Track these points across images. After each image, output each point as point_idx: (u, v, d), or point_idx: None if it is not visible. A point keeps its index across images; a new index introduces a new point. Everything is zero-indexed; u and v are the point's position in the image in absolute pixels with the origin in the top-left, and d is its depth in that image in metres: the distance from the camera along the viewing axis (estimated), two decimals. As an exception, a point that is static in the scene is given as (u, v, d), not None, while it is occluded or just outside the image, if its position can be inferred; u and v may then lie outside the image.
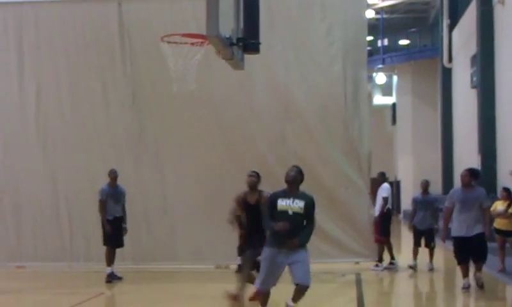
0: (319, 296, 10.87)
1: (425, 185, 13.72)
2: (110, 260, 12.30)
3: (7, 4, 14.71)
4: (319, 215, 13.55)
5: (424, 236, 13.44)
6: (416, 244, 13.52)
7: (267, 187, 13.57)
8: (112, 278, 12.18)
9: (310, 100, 13.95)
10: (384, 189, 13.75)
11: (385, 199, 13.54)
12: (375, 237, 13.54)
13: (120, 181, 12.66)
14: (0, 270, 13.65)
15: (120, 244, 12.49)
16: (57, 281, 12.65)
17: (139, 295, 11.19)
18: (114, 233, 12.27)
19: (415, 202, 13.64)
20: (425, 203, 13.48)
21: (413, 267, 13.30)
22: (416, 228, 13.50)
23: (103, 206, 12.29)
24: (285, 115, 13.98)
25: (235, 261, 13.14)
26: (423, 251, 13.56)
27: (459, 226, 10.38)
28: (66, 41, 14.31)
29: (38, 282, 12.58)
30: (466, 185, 10.51)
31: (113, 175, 12.50)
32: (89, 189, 13.40)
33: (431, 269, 13.26)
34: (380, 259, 13.49)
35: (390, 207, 13.87)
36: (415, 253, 13.46)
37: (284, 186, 8.03)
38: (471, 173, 10.70)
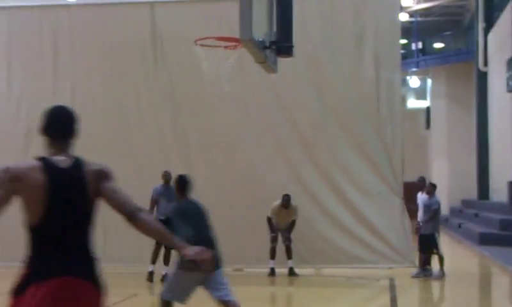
0: (353, 301, 10.83)
1: (430, 189, 13.50)
2: (154, 258, 12.40)
3: (42, 7, 14.93)
4: (352, 220, 13.62)
5: (425, 241, 13.12)
6: (423, 251, 13.24)
7: (297, 191, 13.63)
8: (152, 277, 12.22)
9: (343, 104, 13.88)
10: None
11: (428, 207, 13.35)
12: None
13: (151, 182, 12.75)
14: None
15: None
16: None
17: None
18: None
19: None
20: (427, 206, 13.27)
21: (416, 275, 13.04)
22: (420, 234, 13.26)
23: (153, 204, 12.44)
24: (317, 119, 13.93)
25: (264, 265, 13.16)
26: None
27: None
28: (99, 44, 14.46)
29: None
30: None
31: (166, 178, 12.62)
32: (122, 189, 13.48)
33: (437, 277, 12.90)
34: (423, 264, 13.29)
35: None
36: (428, 259, 13.19)
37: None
38: None
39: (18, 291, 3.63)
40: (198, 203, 7.98)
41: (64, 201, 3.75)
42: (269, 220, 13.21)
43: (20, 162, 3.89)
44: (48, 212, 3.70)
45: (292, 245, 13.29)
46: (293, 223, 13.28)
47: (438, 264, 13.00)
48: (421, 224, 13.12)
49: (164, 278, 12.27)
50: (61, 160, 3.89)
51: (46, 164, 3.79)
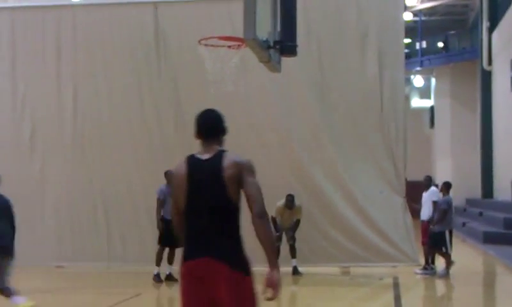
0: (356, 300, 10.84)
1: (444, 187, 13.50)
2: (158, 260, 12.41)
3: (46, 7, 14.95)
4: (355, 219, 13.62)
5: (434, 238, 13.12)
6: (432, 247, 13.25)
7: (301, 190, 13.63)
8: (158, 279, 12.28)
9: (347, 103, 13.88)
10: (434, 193, 13.60)
11: (436, 203, 13.36)
12: (424, 240, 13.39)
13: (155, 183, 12.78)
14: (40, 270, 13.84)
15: (172, 244, 12.55)
16: (95, 282, 12.78)
17: (175, 296, 11.24)
18: (168, 233, 12.37)
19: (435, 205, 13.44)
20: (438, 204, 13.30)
21: (422, 273, 13.04)
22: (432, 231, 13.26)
23: (161, 205, 12.40)
24: (320, 118, 13.94)
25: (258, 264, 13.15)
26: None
27: None
28: (103, 44, 14.48)
29: (76, 282, 12.74)
30: None
31: (169, 177, 12.63)
32: (126, 190, 13.55)
33: (442, 276, 12.91)
34: (427, 262, 13.31)
35: None
36: (431, 256, 13.19)
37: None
38: None
39: (181, 263, 4.33)
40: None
41: (200, 187, 4.27)
42: (274, 220, 13.23)
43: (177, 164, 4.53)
44: (188, 198, 4.31)
45: (296, 245, 13.30)
46: (297, 222, 13.30)
47: (445, 262, 12.99)
48: (429, 221, 13.14)
49: (168, 277, 12.32)
50: (204, 154, 4.45)
51: (190, 158, 4.44)
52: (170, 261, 12.50)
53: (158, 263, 12.44)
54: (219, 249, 4.19)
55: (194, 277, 4.18)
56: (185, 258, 4.27)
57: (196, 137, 4.62)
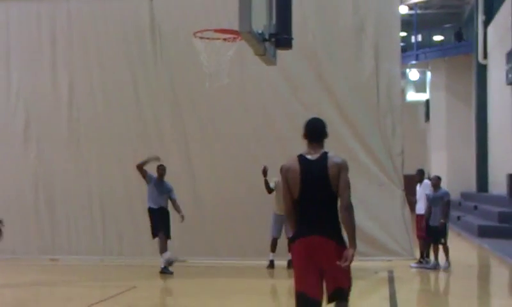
0: (352, 293, 10.84)
1: (436, 181, 13.42)
2: (163, 247, 12.44)
3: (40, 0, 14.88)
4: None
5: (435, 232, 13.13)
6: (433, 242, 13.24)
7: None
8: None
9: (343, 96, 13.87)
10: (428, 186, 13.57)
11: (428, 197, 13.36)
12: (419, 234, 13.39)
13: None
14: (34, 263, 13.83)
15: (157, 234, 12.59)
16: (90, 274, 12.77)
17: (170, 289, 11.25)
18: (160, 222, 12.41)
19: (428, 200, 13.36)
20: (436, 198, 13.20)
21: (433, 268, 13.05)
22: (429, 225, 13.23)
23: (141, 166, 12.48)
24: (316, 111, 13.89)
25: (264, 258, 13.18)
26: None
27: None
28: (98, 36, 14.45)
29: (71, 275, 12.72)
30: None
31: (160, 171, 12.70)
32: (121, 183, 13.54)
33: (446, 268, 12.91)
34: (422, 255, 13.32)
35: None
36: (434, 252, 13.19)
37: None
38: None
39: (292, 241, 5.57)
40: None
41: (311, 182, 5.50)
42: (270, 187, 13.08)
43: (288, 159, 5.75)
44: (302, 190, 5.51)
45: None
46: None
47: (444, 255, 13.00)
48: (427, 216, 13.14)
49: (163, 270, 12.33)
50: (312, 154, 5.66)
51: (301, 158, 5.64)
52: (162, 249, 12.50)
53: (163, 250, 12.39)
54: (327, 230, 5.44)
55: (307, 249, 5.42)
56: (300, 235, 5.51)
57: (304, 138, 5.82)
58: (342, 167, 5.59)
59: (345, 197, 5.48)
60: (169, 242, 12.75)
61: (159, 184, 12.67)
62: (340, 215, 5.48)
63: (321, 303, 5.48)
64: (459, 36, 31.52)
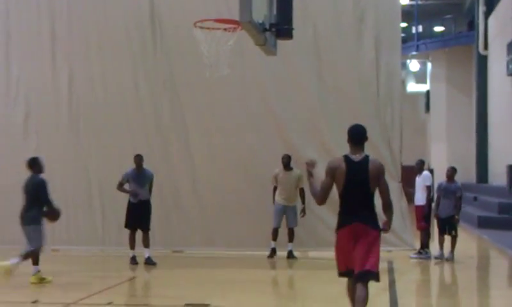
0: (345, 283, 10.86)
1: (451, 173, 13.35)
2: (132, 244, 12.54)
3: (41, -11, 14.82)
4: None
5: (446, 224, 13.14)
6: (440, 233, 13.27)
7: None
8: (134, 262, 12.38)
9: (343, 87, 13.86)
10: (427, 177, 13.56)
11: (429, 188, 13.35)
12: (419, 225, 13.41)
13: (149, 166, 12.79)
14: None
15: (140, 227, 12.59)
16: (89, 265, 12.79)
17: (170, 280, 11.26)
18: (135, 217, 12.42)
19: (439, 189, 13.34)
20: (448, 191, 13.18)
21: (439, 257, 13.10)
22: (440, 217, 13.24)
23: (119, 186, 12.62)
24: (316, 102, 13.91)
25: (263, 248, 13.19)
26: (447, 239, 13.32)
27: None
28: (98, 26, 14.39)
29: (71, 265, 12.74)
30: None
31: (138, 161, 12.66)
32: (120, 173, 13.50)
33: (449, 259, 12.95)
34: (422, 247, 13.34)
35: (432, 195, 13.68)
36: (441, 242, 13.23)
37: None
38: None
39: (337, 229, 6.77)
40: None
41: (354, 180, 6.66)
42: (274, 189, 13.19)
43: (333, 158, 7.07)
44: (346, 186, 6.68)
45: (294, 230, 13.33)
46: (302, 194, 13.07)
47: (451, 246, 13.02)
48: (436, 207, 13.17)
49: (147, 260, 12.34)
50: (355, 156, 6.77)
51: (346, 159, 6.78)
52: (146, 244, 12.55)
53: (132, 247, 12.51)
54: (367, 218, 6.64)
55: (351, 233, 6.61)
56: (344, 223, 6.70)
57: (348, 142, 6.91)
58: (381, 170, 6.81)
59: (386, 196, 6.81)
60: (167, 232, 12.80)
61: (138, 176, 12.62)
62: (383, 211, 6.81)
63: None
64: (470, 26, 31.09)
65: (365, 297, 6.57)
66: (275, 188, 13.22)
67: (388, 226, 6.88)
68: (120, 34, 14.28)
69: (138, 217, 12.46)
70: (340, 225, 6.73)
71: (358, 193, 6.66)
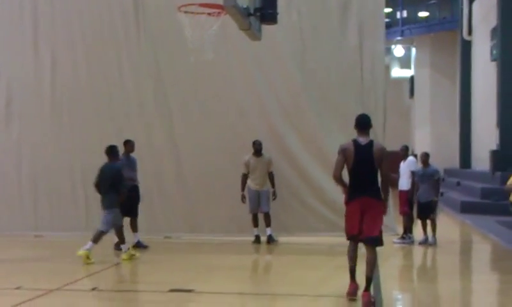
0: (334, 268, 10.92)
1: (425, 158, 13.40)
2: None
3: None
4: (333, 190, 13.67)
5: (426, 208, 13.22)
6: (421, 218, 13.35)
7: (280, 159, 13.65)
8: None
9: (326, 72, 13.88)
10: (412, 163, 13.62)
11: (413, 173, 13.40)
12: (402, 210, 13.47)
13: (133, 152, 12.76)
14: (17, 239, 13.78)
15: (130, 213, 12.58)
16: (73, 250, 12.74)
17: (154, 266, 11.26)
18: (126, 203, 12.39)
19: (417, 175, 13.41)
20: (425, 175, 13.26)
21: (423, 242, 13.18)
22: (419, 201, 13.31)
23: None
24: (300, 87, 13.91)
25: (248, 234, 13.23)
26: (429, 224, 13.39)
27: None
28: (80, 12, 14.32)
29: (55, 250, 12.70)
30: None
31: (130, 148, 12.70)
32: (103, 159, 13.40)
33: (432, 243, 13.05)
34: (405, 231, 13.41)
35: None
36: (424, 227, 13.31)
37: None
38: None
39: (348, 201, 8.05)
40: None
41: (362, 160, 7.94)
42: (244, 177, 13.24)
43: (344, 142, 8.16)
44: (354, 165, 7.97)
45: (275, 213, 13.36)
46: (271, 178, 13.31)
47: (431, 231, 13.10)
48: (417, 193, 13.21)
49: (137, 244, 12.37)
50: (362, 140, 8.03)
51: (355, 142, 8.03)
52: (134, 229, 12.60)
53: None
54: (372, 191, 7.97)
55: (360, 205, 7.90)
56: (353, 196, 7.97)
57: (355, 128, 8.12)
58: (383, 151, 8.01)
59: (384, 170, 8.01)
60: (149, 218, 12.82)
61: (129, 162, 12.63)
62: (381, 187, 8.04)
63: (358, 237, 8.04)
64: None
65: (374, 258, 8.01)
66: (245, 175, 13.25)
67: (384, 208, 8.09)
68: (103, 20, 14.21)
69: (129, 203, 12.36)
70: (351, 198, 7.99)
71: (364, 171, 7.92)
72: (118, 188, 11.31)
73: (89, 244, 11.08)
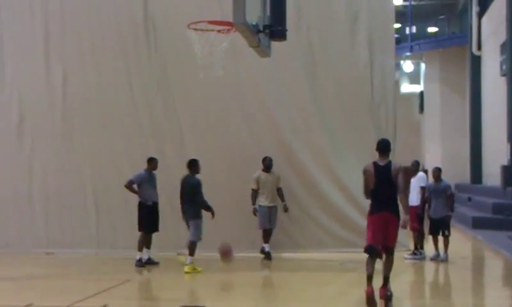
0: (346, 285, 10.87)
1: (437, 173, 13.36)
2: (141, 246, 12.59)
3: (33, -10, 14.78)
4: (345, 204, 13.65)
5: (438, 225, 13.14)
6: (433, 234, 13.26)
7: (290, 175, 13.64)
8: (141, 264, 12.35)
9: (336, 88, 13.88)
10: (422, 178, 13.58)
11: (424, 189, 13.35)
12: (412, 225, 13.41)
13: (144, 167, 12.81)
14: (29, 256, 13.80)
15: (155, 230, 12.77)
16: (84, 267, 12.75)
17: (165, 282, 11.24)
18: (150, 219, 12.48)
19: (429, 191, 13.35)
20: (437, 191, 13.20)
21: (434, 258, 13.11)
22: (431, 217, 13.24)
23: (130, 184, 12.67)
24: (310, 103, 13.92)
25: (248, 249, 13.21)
26: (441, 240, 13.32)
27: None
28: (91, 27, 14.38)
29: (66, 268, 12.70)
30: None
31: (154, 166, 12.90)
32: (115, 175, 13.50)
33: (444, 259, 12.97)
34: (416, 247, 13.35)
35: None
36: (435, 243, 13.23)
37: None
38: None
39: (369, 214, 9.02)
40: None
41: (382, 179, 8.87)
42: (253, 193, 13.26)
43: (366, 164, 9.19)
44: (376, 185, 8.89)
45: (284, 229, 13.35)
46: (280, 194, 13.37)
47: (444, 247, 13.02)
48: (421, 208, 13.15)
49: (148, 261, 12.38)
50: (381, 162, 9.00)
51: (375, 164, 9.01)
52: (148, 245, 12.67)
53: (141, 249, 12.59)
54: (391, 208, 8.87)
55: (380, 219, 8.84)
56: (375, 211, 8.93)
57: (376, 150, 9.13)
58: (400, 171, 8.94)
59: (402, 187, 8.95)
60: (161, 234, 12.85)
61: (151, 179, 12.79)
62: (399, 197, 8.95)
63: (379, 250, 8.96)
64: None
65: (391, 260, 9.08)
66: (255, 191, 13.26)
67: (404, 223, 9.07)
68: (113, 35, 14.27)
69: (156, 219, 12.57)
70: (373, 212, 8.97)
71: (384, 189, 8.85)
72: (197, 201, 11.85)
73: (188, 259, 11.67)
